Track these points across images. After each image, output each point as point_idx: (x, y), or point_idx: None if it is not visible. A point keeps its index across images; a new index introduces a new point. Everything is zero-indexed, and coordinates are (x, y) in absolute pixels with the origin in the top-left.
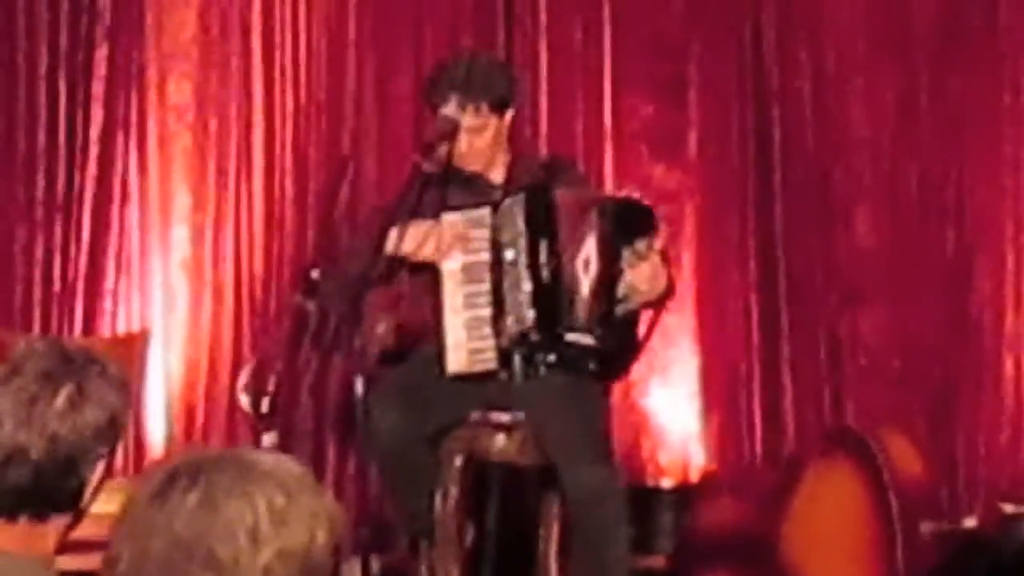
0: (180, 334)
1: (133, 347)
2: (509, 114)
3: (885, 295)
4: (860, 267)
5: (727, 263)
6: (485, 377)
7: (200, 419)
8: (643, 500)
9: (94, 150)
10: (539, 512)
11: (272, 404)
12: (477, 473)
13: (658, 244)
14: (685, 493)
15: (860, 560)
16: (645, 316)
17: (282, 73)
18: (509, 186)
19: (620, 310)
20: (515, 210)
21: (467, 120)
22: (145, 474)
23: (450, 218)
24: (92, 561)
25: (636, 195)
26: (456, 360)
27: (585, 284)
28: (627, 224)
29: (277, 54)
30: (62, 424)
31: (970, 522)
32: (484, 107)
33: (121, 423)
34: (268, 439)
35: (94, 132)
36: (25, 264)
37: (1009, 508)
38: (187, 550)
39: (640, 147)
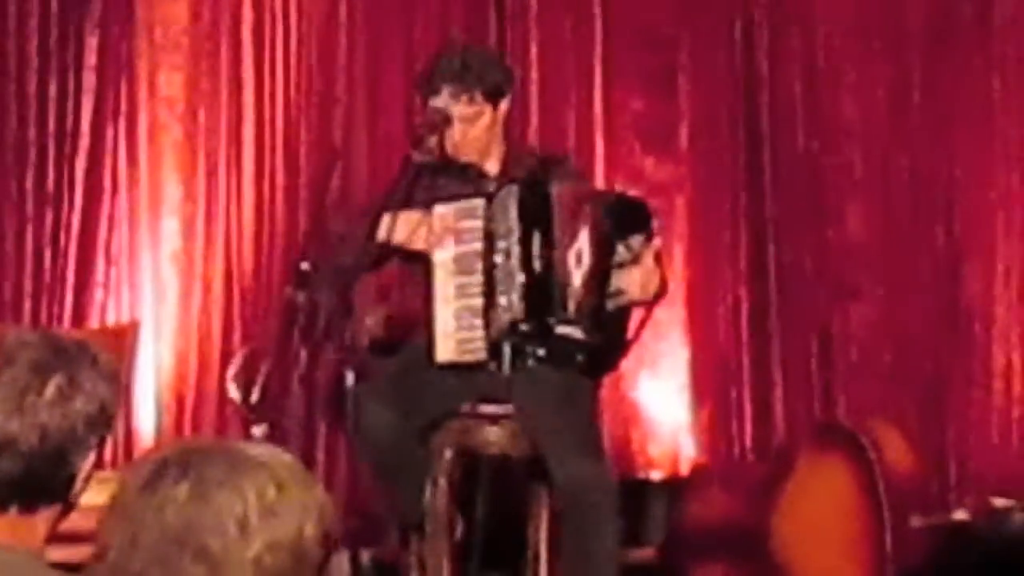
0: (170, 325)
1: (123, 339)
2: (504, 105)
3: (876, 289)
4: (851, 261)
5: (718, 256)
6: (474, 368)
7: (190, 410)
8: (633, 492)
9: (84, 142)
10: (529, 504)
11: (262, 395)
12: (467, 465)
13: (654, 246)
14: (675, 485)
15: (850, 553)
16: (636, 312)
17: (272, 65)
18: (503, 177)
19: (611, 305)
20: (509, 202)
21: (461, 109)
22: (135, 465)
23: (442, 209)
24: (82, 552)
25: (628, 189)
26: (445, 349)
27: (577, 277)
28: (622, 219)
29: (268, 46)
30: (52, 415)
31: (960, 516)
32: (478, 96)
33: (111, 414)
34: (258, 430)
35: (84, 124)
36: (15, 256)
37: (999, 502)
38: (177, 541)
39: (631, 139)
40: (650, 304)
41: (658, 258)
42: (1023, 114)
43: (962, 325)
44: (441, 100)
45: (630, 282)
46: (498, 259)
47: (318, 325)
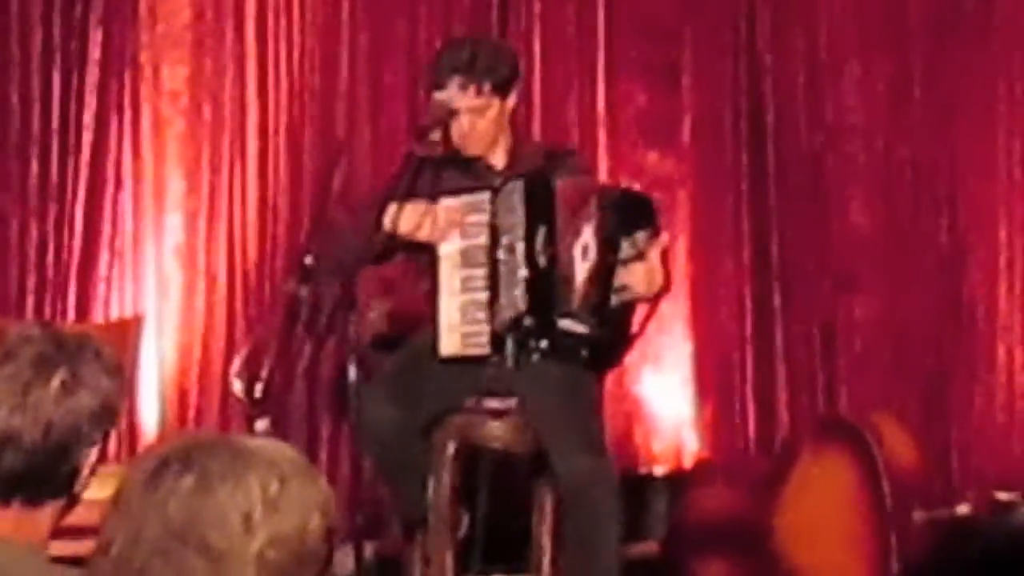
0: (173, 320)
1: (126, 333)
2: (512, 98)
3: (878, 282)
4: (853, 254)
5: (720, 250)
6: (477, 362)
7: (193, 405)
8: (636, 487)
9: (88, 136)
10: (532, 499)
11: (265, 390)
12: (470, 460)
13: (660, 242)
14: (678, 480)
15: (853, 547)
16: (640, 307)
17: (276, 59)
18: (509, 171)
19: (615, 300)
20: (514, 196)
21: (468, 101)
22: (138, 459)
23: (448, 202)
24: (85, 546)
25: (631, 184)
26: (449, 343)
27: (581, 272)
28: (627, 215)
29: (271, 40)
30: (56, 409)
31: (963, 509)
32: (486, 88)
33: (115, 408)
34: (261, 425)
35: (88, 118)
36: (19, 250)
37: (1002, 495)
38: (180, 535)
39: (634, 134)
40: (653, 300)
41: (664, 254)
42: None
43: (964, 318)
44: (448, 92)
45: (635, 278)
46: (502, 253)
47: (321, 320)
